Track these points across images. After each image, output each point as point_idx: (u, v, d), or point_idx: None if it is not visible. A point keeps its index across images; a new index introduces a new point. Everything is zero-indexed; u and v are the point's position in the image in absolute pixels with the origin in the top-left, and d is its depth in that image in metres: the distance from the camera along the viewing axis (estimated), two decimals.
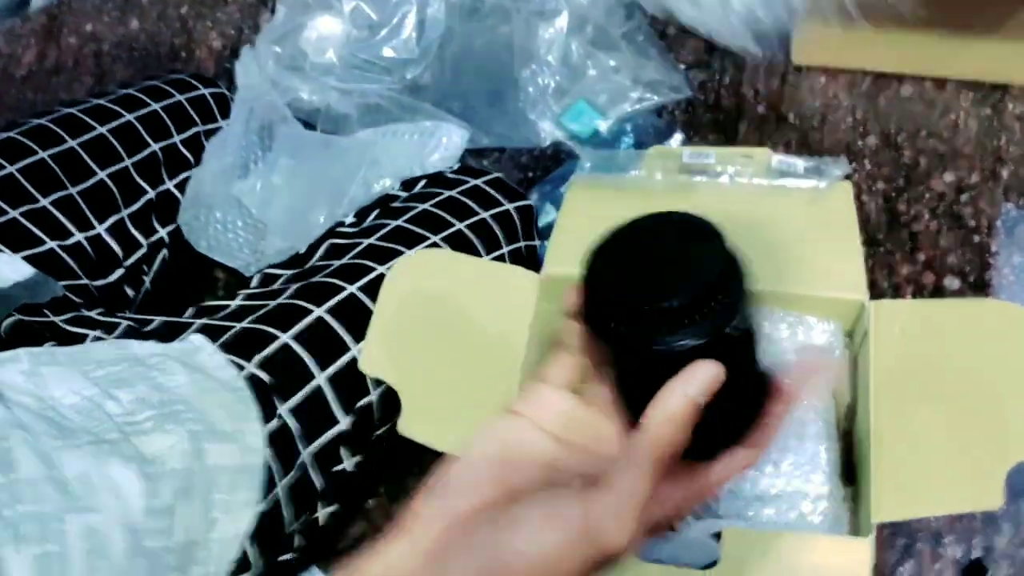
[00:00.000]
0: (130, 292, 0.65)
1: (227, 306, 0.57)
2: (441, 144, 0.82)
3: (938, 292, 0.80)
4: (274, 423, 0.53)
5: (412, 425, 0.55)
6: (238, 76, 0.74)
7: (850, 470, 0.58)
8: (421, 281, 0.59)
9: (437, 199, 0.64)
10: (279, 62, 0.94)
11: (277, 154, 0.79)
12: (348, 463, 0.57)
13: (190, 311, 0.58)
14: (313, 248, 0.64)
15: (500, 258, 0.65)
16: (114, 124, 0.64)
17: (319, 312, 0.56)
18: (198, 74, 0.73)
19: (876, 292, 0.80)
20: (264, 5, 1.08)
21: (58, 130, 0.62)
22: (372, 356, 0.56)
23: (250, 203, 0.74)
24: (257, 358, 0.53)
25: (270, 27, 0.97)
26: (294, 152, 0.80)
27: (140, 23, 1.10)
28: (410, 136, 0.86)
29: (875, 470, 0.51)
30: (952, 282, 0.81)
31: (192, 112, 0.69)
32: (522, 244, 0.66)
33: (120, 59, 1.08)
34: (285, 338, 0.55)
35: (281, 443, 0.53)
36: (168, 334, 0.54)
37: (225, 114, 0.71)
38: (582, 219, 0.65)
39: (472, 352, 0.58)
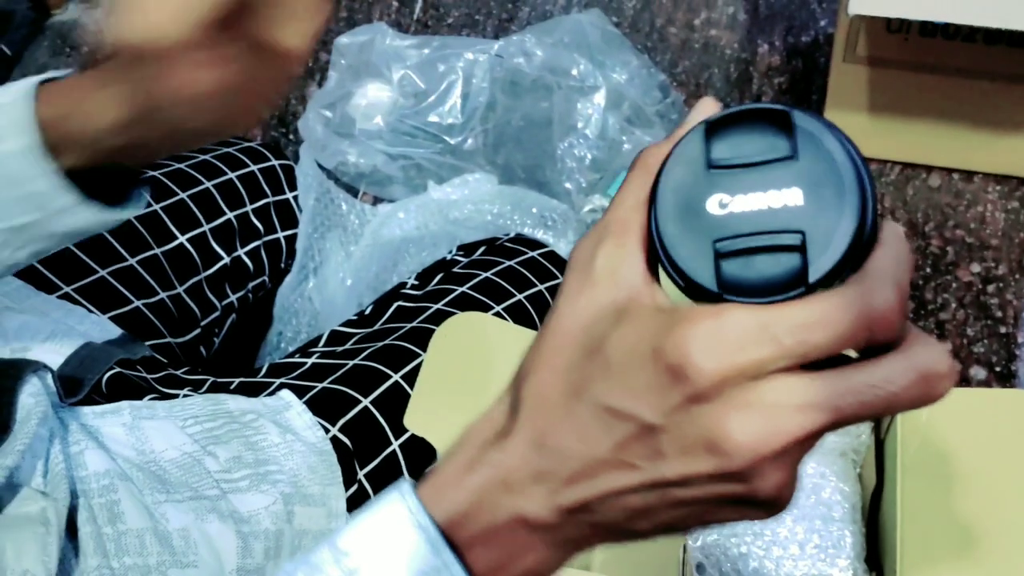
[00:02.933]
0: (203, 351, 0.67)
1: (302, 364, 0.59)
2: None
3: (964, 382, 0.81)
4: (354, 488, 0.54)
5: None
6: (299, 172, 0.78)
7: (873, 555, 0.58)
8: (465, 344, 0.61)
9: (498, 268, 0.66)
10: (329, 126, 0.98)
11: (330, 247, 0.86)
12: None
13: (265, 370, 0.60)
14: (380, 308, 0.66)
15: None
16: (194, 190, 0.67)
17: (396, 378, 0.58)
18: (269, 144, 0.76)
19: None
20: (311, 77, 1.12)
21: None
22: (416, 414, 0.58)
23: (316, 299, 0.80)
24: (341, 422, 0.55)
25: (321, 92, 1.01)
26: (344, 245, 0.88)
27: None
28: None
29: (901, 557, 0.51)
30: (978, 372, 0.82)
31: (264, 183, 0.72)
32: None
33: None
34: (366, 403, 0.57)
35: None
36: (250, 394, 0.56)
37: (292, 186, 0.74)
38: None
39: None
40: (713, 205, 0.26)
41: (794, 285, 0.25)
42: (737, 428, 0.24)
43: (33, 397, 0.45)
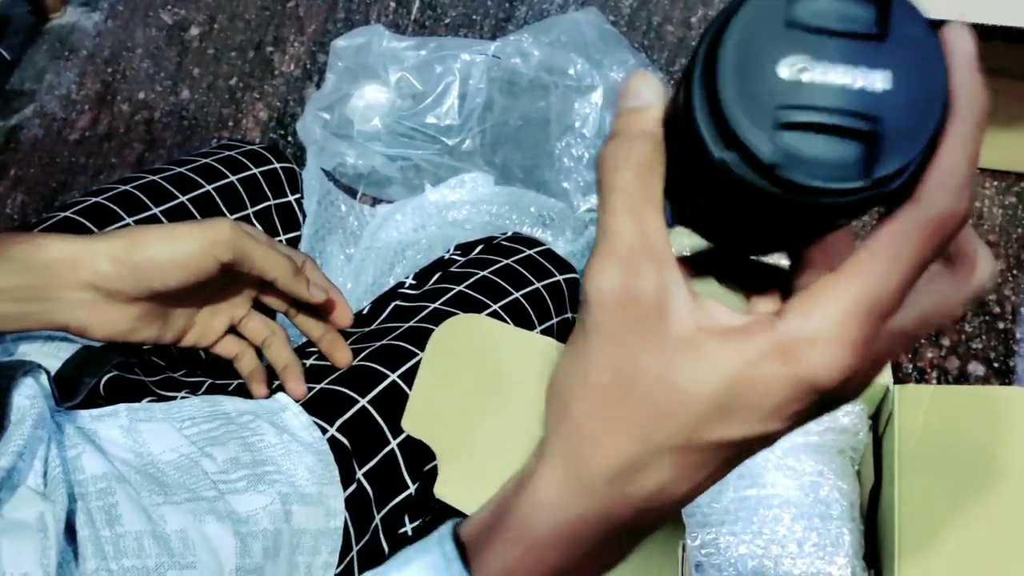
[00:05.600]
0: (202, 354, 0.67)
1: (302, 365, 0.59)
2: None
3: (963, 377, 0.81)
4: (352, 487, 0.55)
5: (446, 489, 0.57)
6: (305, 181, 0.78)
7: (872, 553, 0.58)
8: (462, 346, 0.61)
9: (495, 267, 0.67)
10: (327, 128, 0.99)
11: (331, 251, 0.86)
12: (408, 527, 0.58)
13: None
14: (378, 308, 0.66)
15: (550, 328, 0.66)
16: (194, 194, 0.67)
17: (393, 377, 0.58)
18: (271, 146, 0.76)
19: (901, 376, 0.81)
20: (309, 80, 1.12)
21: (143, 197, 0.65)
22: (414, 416, 0.58)
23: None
24: (339, 422, 0.55)
25: (319, 95, 1.01)
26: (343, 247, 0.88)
27: (191, 93, 1.14)
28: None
29: (899, 554, 0.52)
30: (977, 368, 0.82)
31: (265, 186, 0.72)
32: (569, 315, 0.68)
33: (170, 127, 1.12)
34: (363, 402, 0.57)
35: (358, 507, 0.55)
36: (249, 396, 0.56)
37: (294, 189, 0.74)
38: None
39: (503, 419, 0.60)
40: (786, 69, 0.23)
41: (858, 176, 0.23)
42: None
43: (29, 399, 0.45)
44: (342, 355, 0.57)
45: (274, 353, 0.57)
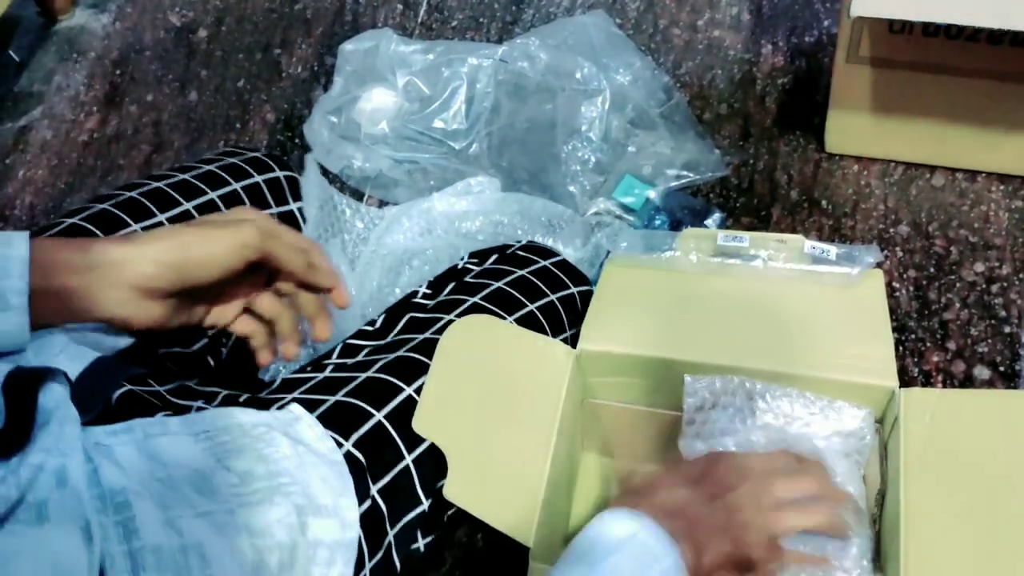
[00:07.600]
0: (211, 361, 0.67)
1: (313, 378, 0.60)
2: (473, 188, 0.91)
3: (968, 381, 0.81)
4: (367, 504, 0.55)
5: (456, 490, 0.57)
6: (303, 186, 0.79)
7: (878, 556, 0.58)
8: (471, 347, 0.62)
9: (510, 277, 0.67)
10: (334, 131, 0.99)
11: (335, 255, 0.87)
12: (421, 543, 0.59)
13: (278, 383, 0.61)
14: (392, 319, 0.67)
15: (563, 341, 0.67)
16: (200, 201, 0.68)
17: (409, 391, 0.59)
18: (273, 155, 0.77)
19: (906, 379, 0.81)
20: (316, 82, 1.13)
21: (149, 204, 0.66)
22: (424, 417, 0.58)
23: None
24: (355, 436, 0.56)
25: (326, 97, 1.02)
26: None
27: (198, 95, 1.15)
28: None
29: (904, 559, 0.52)
30: (982, 371, 0.82)
31: (268, 194, 0.73)
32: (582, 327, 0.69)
33: (178, 129, 1.12)
34: (379, 416, 0.57)
35: (372, 524, 0.55)
36: (263, 407, 0.57)
37: (296, 197, 0.75)
38: (617, 297, 0.67)
39: (512, 420, 0.60)
40: None
41: None
42: None
43: (54, 402, 0.46)
44: (324, 329, 0.60)
45: (283, 326, 0.60)
